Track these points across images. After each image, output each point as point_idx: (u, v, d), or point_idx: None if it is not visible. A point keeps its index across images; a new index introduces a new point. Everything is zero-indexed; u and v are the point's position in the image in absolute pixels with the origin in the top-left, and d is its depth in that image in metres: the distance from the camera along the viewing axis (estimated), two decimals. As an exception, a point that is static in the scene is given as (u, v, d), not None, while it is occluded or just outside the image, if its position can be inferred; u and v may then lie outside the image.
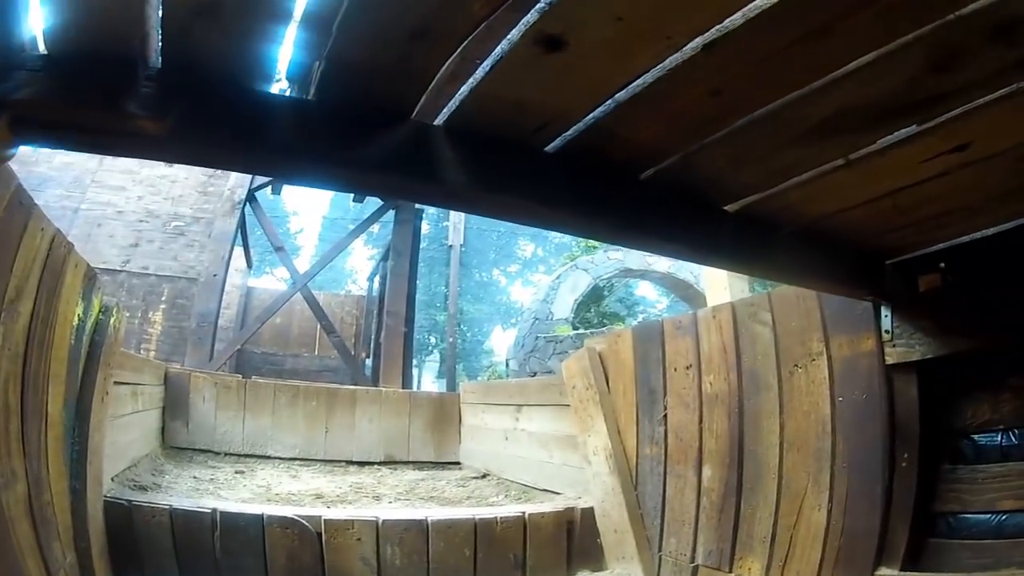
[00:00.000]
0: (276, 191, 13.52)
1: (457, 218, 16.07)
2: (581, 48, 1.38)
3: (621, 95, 1.55)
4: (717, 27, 1.35)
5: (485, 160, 1.67)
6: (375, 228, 16.63)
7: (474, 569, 3.55)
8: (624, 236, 2.20)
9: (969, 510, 2.40)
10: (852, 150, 1.78)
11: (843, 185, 1.94)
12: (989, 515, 2.33)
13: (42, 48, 1.37)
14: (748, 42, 1.37)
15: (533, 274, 34.98)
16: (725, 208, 2.13)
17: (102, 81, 1.36)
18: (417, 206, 12.51)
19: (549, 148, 1.76)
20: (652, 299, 25.34)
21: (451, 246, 15.81)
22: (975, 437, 2.43)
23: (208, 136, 1.45)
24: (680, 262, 14.11)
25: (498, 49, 1.40)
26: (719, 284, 5.17)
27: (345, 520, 3.45)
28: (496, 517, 3.73)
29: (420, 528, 3.51)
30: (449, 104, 1.58)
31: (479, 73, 1.46)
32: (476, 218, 20.30)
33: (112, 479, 3.68)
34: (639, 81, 1.50)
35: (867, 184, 1.94)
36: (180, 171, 12.09)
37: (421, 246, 13.58)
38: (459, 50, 1.38)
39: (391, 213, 12.49)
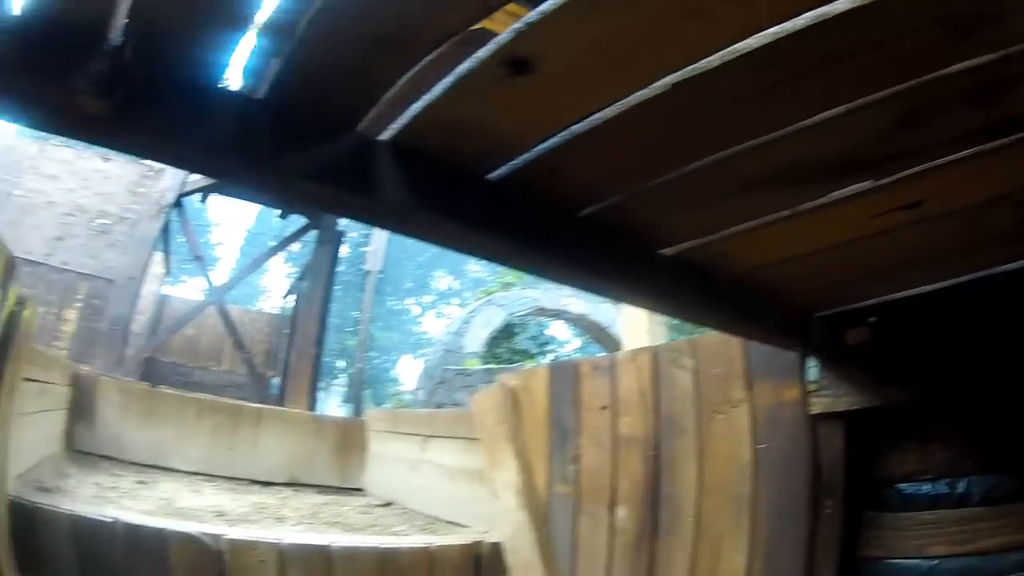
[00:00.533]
0: (203, 199, 12.91)
1: (377, 244, 15.58)
2: (550, 73, 1.22)
3: (579, 127, 1.39)
4: (693, 66, 1.21)
5: (426, 180, 1.49)
6: (295, 247, 16.00)
7: (378, 599, 3.36)
8: (560, 271, 2.04)
9: (895, 556, 2.34)
10: (800, 202, 1.67)
11: (785, 237, 1.84)
12: (919, 560, 2.27)
13: (15, 9, 1.15)
14: (720, 84, 1.24)
15: (447, 306, 34.37)
16: (662, 251, 1.99)
17: (59, 50, 1.13)
18: (339, 228, 12.15)
19: (493, 176, 1.59)
20: (563, 339, 25.14)
21: (368, 272, 15.25)
22: (902, 487, 2.39)
23: (149, 122, 1.22)
24: (595, 304, 14.05)
25: (463, 67, 1.23)
26: (639, 328, 5.04)
27: (249, 540, 3.23)
28: (402, 547, 3.57)
29: (324, 554, 3.29)
30: (400, 119, 1.40)
31: (438, 89, 1.29)
32: (395, 247, 19.87)
33: (16, 478, 3.38)
34: (600, 115, 1.35)
35: (810, 237, 1.84)
36: (113, 167, 11.26)
37: (338, 269, 13.16)
38: (421, 64, 1.21)
39: (313, 233, 12.10)
